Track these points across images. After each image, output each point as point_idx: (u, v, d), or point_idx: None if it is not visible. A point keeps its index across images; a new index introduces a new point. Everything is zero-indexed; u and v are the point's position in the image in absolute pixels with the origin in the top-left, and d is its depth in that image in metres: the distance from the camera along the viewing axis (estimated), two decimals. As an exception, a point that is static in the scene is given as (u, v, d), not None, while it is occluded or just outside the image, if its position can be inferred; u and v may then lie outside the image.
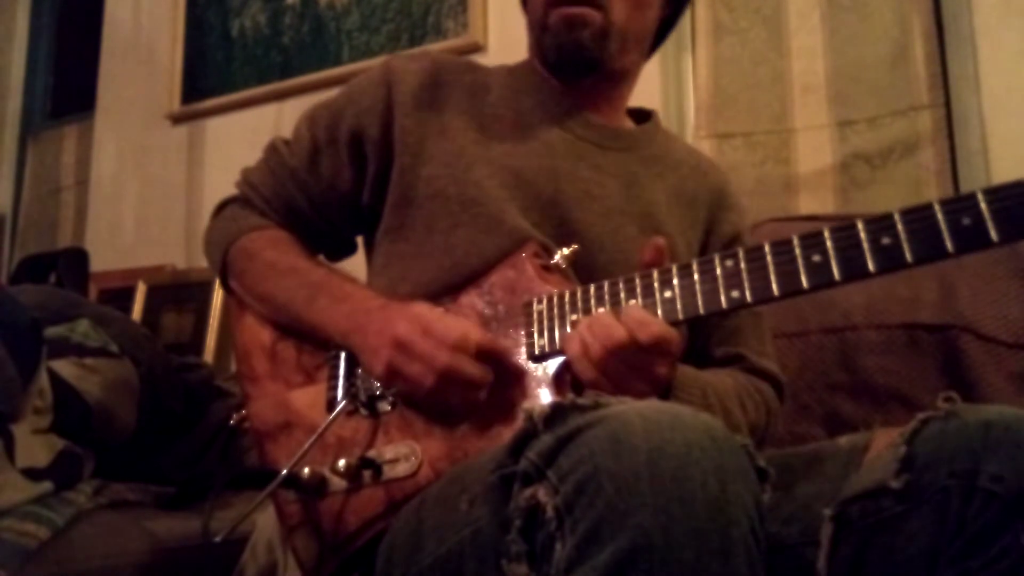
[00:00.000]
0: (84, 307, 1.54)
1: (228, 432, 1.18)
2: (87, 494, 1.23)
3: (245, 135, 2.35)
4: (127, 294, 2.35)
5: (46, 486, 1.17)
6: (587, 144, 1.03)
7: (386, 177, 1.02)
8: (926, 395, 1.23)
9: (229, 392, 1.63)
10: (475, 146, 0.99)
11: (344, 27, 2.29)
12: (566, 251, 0.92)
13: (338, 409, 0.91)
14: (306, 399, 0.97)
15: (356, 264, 1.13)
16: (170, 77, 2.57)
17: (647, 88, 1.78)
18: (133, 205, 2.62)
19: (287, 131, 1.12)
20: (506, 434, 0.83)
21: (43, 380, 1.24)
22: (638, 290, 0.83)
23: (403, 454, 0.87)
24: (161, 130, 2.59)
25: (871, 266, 0.72)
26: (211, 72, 2.51)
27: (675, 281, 0.81)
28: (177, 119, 2.56)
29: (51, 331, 1.37)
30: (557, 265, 0.92)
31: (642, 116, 1.14)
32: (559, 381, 0.85)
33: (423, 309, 0.87)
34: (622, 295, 0.83)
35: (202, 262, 1.36)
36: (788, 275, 0.75)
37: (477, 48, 2.05)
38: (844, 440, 0.82)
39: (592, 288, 0.86)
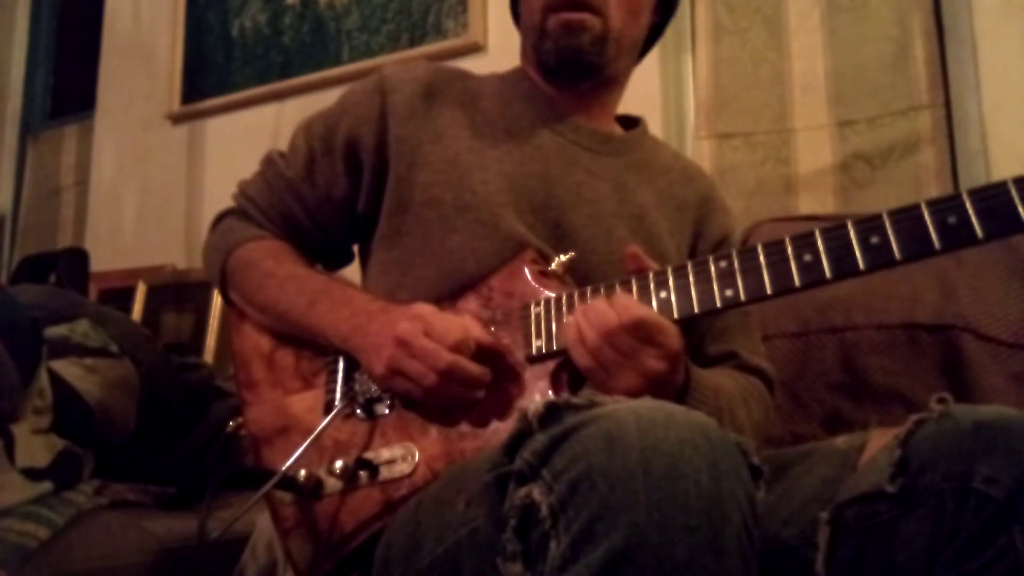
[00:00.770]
0: (84, 307, 1.54)
1: (227, 433, 1.18)
2: (87, 494, 1.23)
3: (245, 135, 2.36)
4: (127, 294, 2.35)
5: (46, 486, 1.17)
6: (578, 148, 1.04)
7: (382, 185, 1.02)
8: (926, 395, 1.21)
9: (229, 392, 1.63)
10: (469, 152, 1.00)
11: (344, 27, 2.30)
12: (563, 258, 0.93)
13: (335, 410, 0.92)
14: (304, 404, 0.97)
15: (352, 274, 1.13)
16: (170, 77, 2.57)
17: (647, 88, 1.79)
18: (133, 205, 2.63)
19: (287, 131, 1.12)
20: (503, 434, 0.83)
21: (43, 380, 1.24)
22: (634, 292, 0.84)
23: (400, 455, 0.88)
24: (161, 130, 2.59)
25: (861, 264, 0.74)
26: (211, 72, 2.52)
27: (670, 282, 0.83)
28: (177, 119, 2.57)
29: (51, 331, 1.37)
30: (554, 272, 0.93)
31: (630, 123, 1.15)
32: (556, 381, 0.86)
33: (424, 309, 0.88)
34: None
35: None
36: (781, 274, 0.77)
37: (477, 48, 2.06)
38: (841, 440, 0.82)
39: (589, 291, 0.87)
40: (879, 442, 0.75)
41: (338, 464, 0.87)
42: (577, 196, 1.00)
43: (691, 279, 0.82)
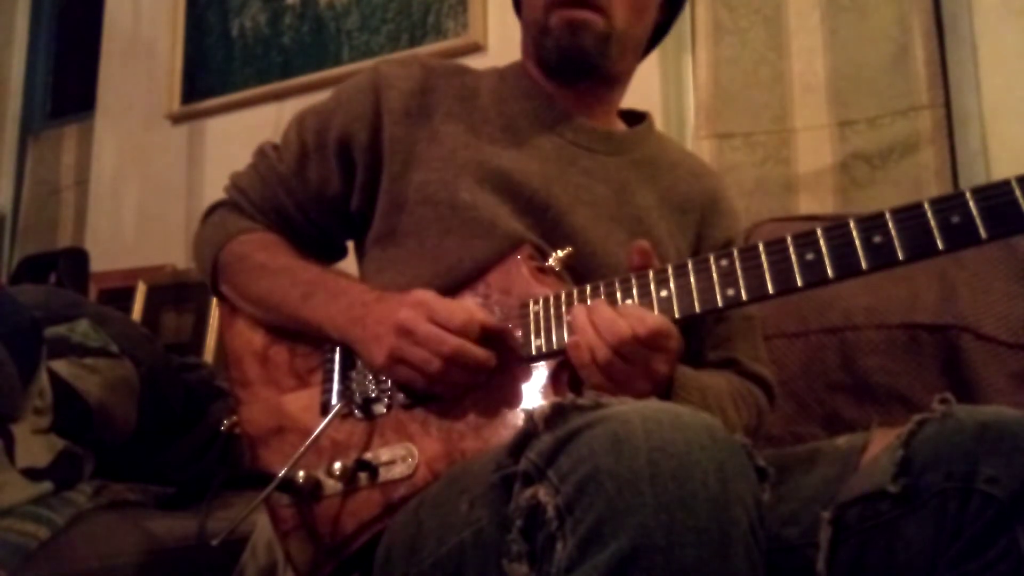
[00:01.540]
0: (84, 307, 1.54)
1: (227, 433, 1.18)
2: (87, 494, 1.23)
3: (245, 135, 2.35)
4: (127, 294, 2.35)
5: (46, 486, 1.17)
6: (577, 148, 1.02)
7: (375, 184, 1.01)
8: (926, 395, 1.22)
9: (229, 392, 1.63)
10: (465, 150, 0.99)
11: (344, 27, 2.29)
12: (560, 253, 0.92)
13: (334, 411, 0.91)
14: (299, 403, 0.96)
15: (347, 268, 1.13)
16: (170, 77, 2.57)
17: (647, 88, 1.79)
18: (133, 205, 2.62)
19: (287, 131, 1.12)
20: (504, 434, 0.83)
21: (43, 380, 1.24)
22: (634, 290, 0.83)
23: (399, 456, 0.87)
24: (161, 130, 2.59)
25: (864, 264, 0.73)
26: (211, 72, 2.51)
27: (671, 281, 0.82)
28: (177, 119, 2.56)
29: (51, 331, 1.37)
30: (551, 268, 0.92)
31: (636, 118, 1.13)
32: (556, 381, 0.86)
33: (425, 295, 0.87)
34: (618, 295, 0.84)
35: (202, 262, 1.36)
36: (783, 273, 0.77)
37: (477, 48, 2.05)
38: (842, 440, 0.82)
39: (588, 288, 0.86)
40: (881, 442, 0.75)
41: (337, 465, 0.86)
42: (575, 198, 0.99)
43: (692, 278, 0.81)
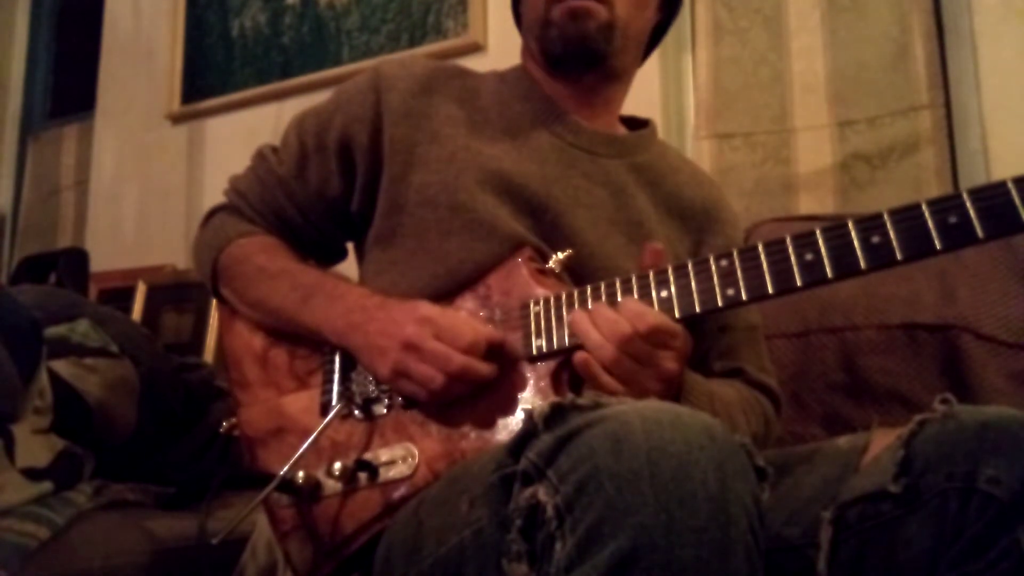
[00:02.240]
0: (84, 307, 1.54)
1: (226, 434, 1.18)
2: (87, 494, 1.23)
3: (245, 135, 2.35)
4: (127, 294, 2.35)
5: (46, 486, 1.17)
6: (577, 151, 1.02)
7: (376, 185, 1.01)
8: (926, 395, 1.23)
9: (229, 392, 1.63)
10: (465, 152, 0.99)
11: (344, 27, 2.29)
12: (561, 255, 0.92)
13: (333, 411, 0.91)
14: (299, 404, 0.97)
15: (347, 270, 1.13)
16: (170, 77, 2.57)
17: (647, 88, 1.79)
18: (133, 205, 2.62)
19: (287, 132, 1.12)
20: (504, 434, 0.83)
21: (43, 380, 1.24)
22: (635, 291, 0.84)
23: (399, 456, 0.87)
24: (161, 130, 2.59)
25: (862, 264, 0.74)
26: (211, 72, 2.51)
27: (671, 281, 0.82)
28: (177, 119, 2.56)
29: (51, 331, 1.37)
30: (551, 270, 0.92)
31: (639, 124, 1.13)
32: (556, 381, 0.86)
33: (431, 311, 0.87)
34: (619, 295, 0.84)
35: (202, 262, 1.36)
36: (782, 273, 0.77)
37: (477, 48, 2.05)
38: (843, 440, 0.82)
39: (589, 289, 0.86)
40: (882, 442, 0.75)
41: (337, 466, 0.86)
42: (574, 200, 0.99)
43: (692, 278, 0.81)
